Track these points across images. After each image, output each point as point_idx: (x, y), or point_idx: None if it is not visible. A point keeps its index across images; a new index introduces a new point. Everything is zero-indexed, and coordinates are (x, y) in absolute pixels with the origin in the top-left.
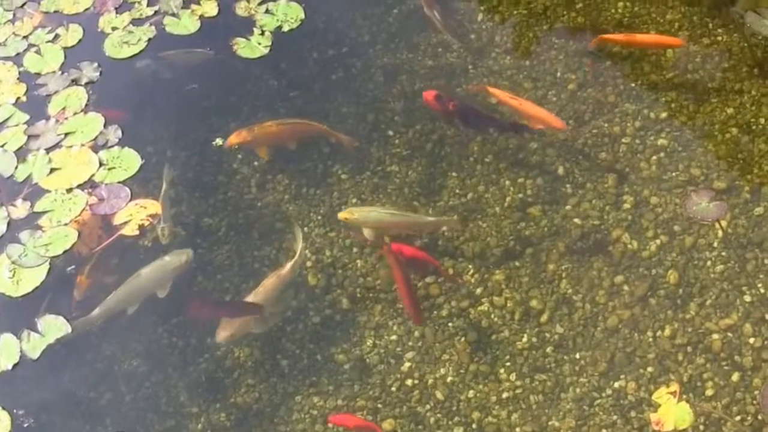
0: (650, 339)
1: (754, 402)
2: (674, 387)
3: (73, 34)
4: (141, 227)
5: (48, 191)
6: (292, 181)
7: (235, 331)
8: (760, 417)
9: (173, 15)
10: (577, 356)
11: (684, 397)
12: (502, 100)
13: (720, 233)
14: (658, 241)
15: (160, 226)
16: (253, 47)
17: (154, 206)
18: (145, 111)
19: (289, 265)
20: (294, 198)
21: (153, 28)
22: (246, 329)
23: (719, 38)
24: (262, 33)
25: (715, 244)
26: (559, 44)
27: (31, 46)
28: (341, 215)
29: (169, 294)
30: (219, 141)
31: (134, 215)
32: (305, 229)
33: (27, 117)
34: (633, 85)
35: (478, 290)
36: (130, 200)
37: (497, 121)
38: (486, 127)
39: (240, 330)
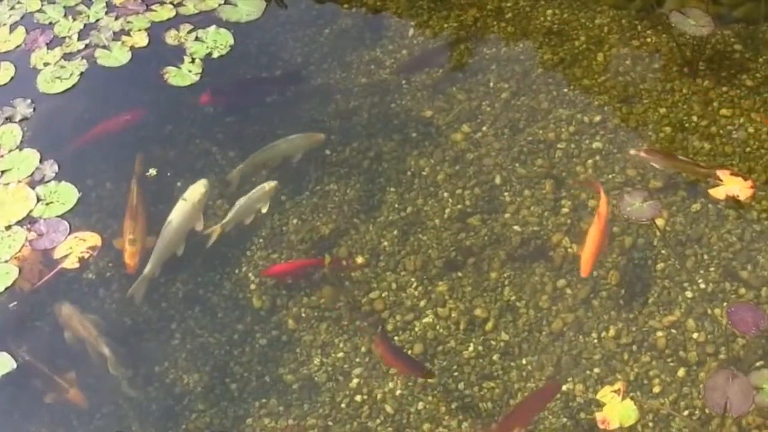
0: (595, 340)
1: (701, 396)
2: (618, 385)
3: (5, 72)
4: (81, 260)
5: None
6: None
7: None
8: (707, 411)
9: (104, 47)
10: (524, 362)
11: (630, 395)
12: None
13: (658, 232)
14: None
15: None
16: (184, 75)
17: (93, 238)
18: (82, 144)
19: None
20: (235, 222)
21: (85, 61)
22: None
23: (648, 40)
24: (193, 60)
25: (655, 243)
26: (490, 54)
27: None
28: None
29: (114, 326)
30: (153, 171)
31: (74, 248)
32: (247, 252)
33: None
34: (565, 90)
35: (422, 302)
36: (70, 233)
37: (273, 80)
38: (267, 90)
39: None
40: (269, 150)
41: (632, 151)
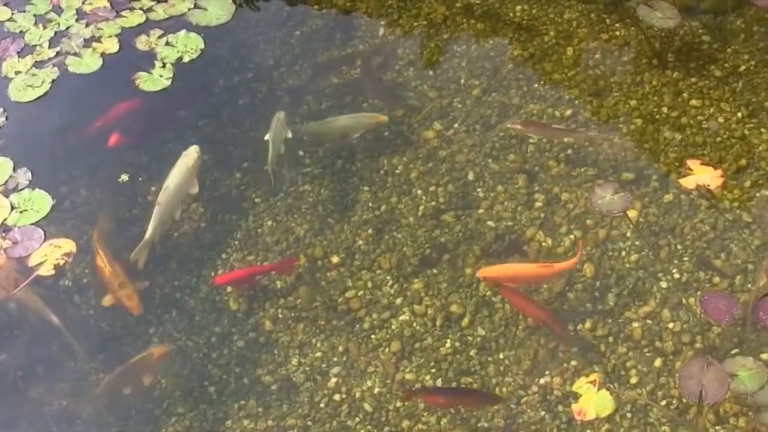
0: (572, 333)
1: (678, 386)
2: (594, 376)
3: None
4: (57, 267)
5: None
6: (208, 209)
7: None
8: (684, 400)
9: (75, 54)
10: (501, 356)
11: (609, 386)
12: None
13: (630, 223)
14: (572, 236)
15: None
16: (155, 80)
17: (68, 245)
18: (55, 151)
19: None
20: (210, 225)
21: (56, 69)
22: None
23: (617, 33)
24: (164, 65)
25: (628, 234)
26: (461, 51)
27: None
28: None
29: (92, 332)
30: (125, 177)
31: (49, 255)
32: (223, 255)
33: None
34: (536, 85)
35: (398, 300)
36: (44, 241)
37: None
38: (177, 123)
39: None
40: (329, 123)
41: (507, 125)
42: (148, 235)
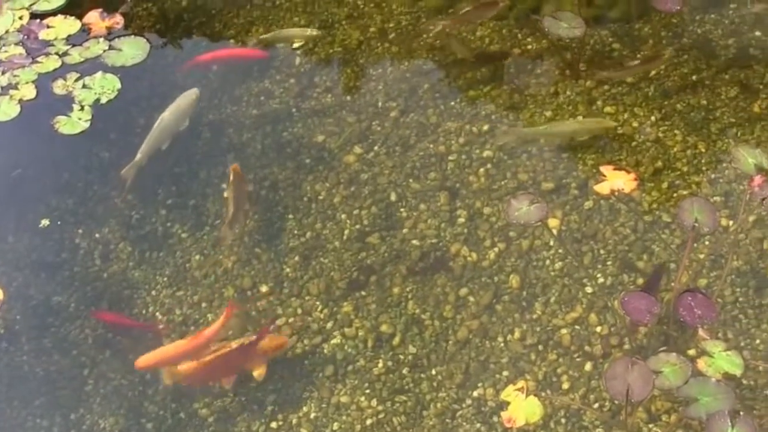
0: (501, 344)
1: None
2: (521, 383)
3: None
4: None
5: None
6: (135, 248)
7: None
8: (616, 402)
9: None
10: (434, 372)
11: (541, 393)
12: None
13: (554, 232)
14: (496, 249)
15: None
16: (74, 123)
17: None
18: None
19: None
20: (138, 264)
21: None
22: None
23: (529, 47)
24: (82, 108)
25: (551, 243)
26: (376, 75)
27: None
28: None
29: (27, 378)
30: (45, 222)
31: None
32: (153, 292)
33: None
34: (453, 103)
35: (329, 324)
36: None
37: None
38: None
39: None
40: (560, 125)
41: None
42: (137, 158)
